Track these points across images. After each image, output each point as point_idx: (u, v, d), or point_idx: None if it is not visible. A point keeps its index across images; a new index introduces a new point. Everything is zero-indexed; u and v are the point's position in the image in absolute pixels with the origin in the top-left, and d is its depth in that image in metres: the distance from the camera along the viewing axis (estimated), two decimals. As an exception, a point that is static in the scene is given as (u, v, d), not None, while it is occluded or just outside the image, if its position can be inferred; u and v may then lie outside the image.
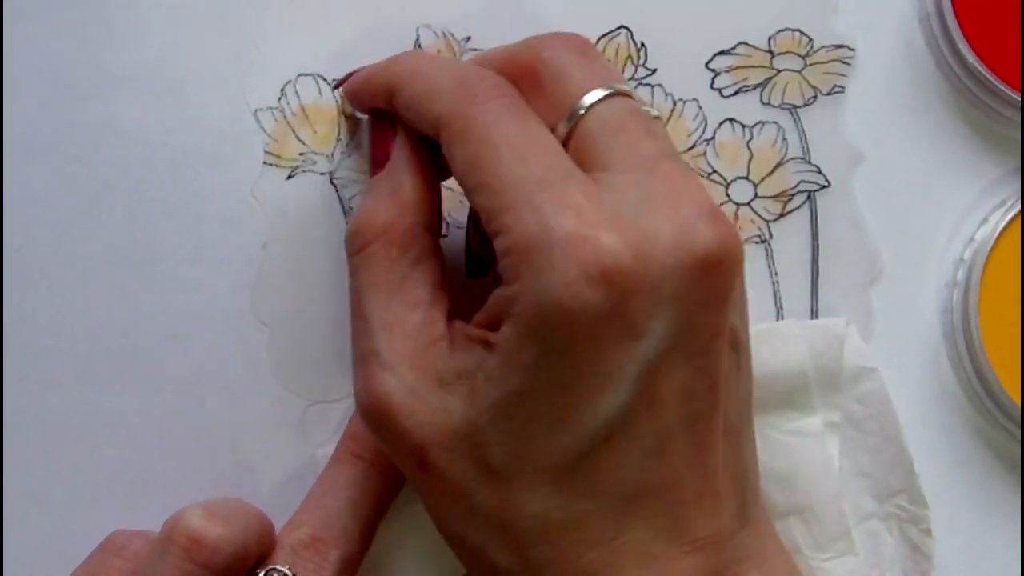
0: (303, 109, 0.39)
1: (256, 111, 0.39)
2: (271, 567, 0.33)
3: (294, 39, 0.39)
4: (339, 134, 0.39)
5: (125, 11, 0.39)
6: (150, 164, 0.38)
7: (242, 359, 0.38)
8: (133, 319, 0.38)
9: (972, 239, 0.40)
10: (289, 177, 0.39)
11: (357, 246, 0.33)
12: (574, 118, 0.32)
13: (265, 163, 0.39)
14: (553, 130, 0.32)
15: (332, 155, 0.39)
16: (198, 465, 0.38)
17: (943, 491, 0.40)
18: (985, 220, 0.40)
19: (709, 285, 0.30)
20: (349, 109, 0.39)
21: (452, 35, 0.40)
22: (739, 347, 0.32)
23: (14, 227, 0.38)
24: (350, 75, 0.37)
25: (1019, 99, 0.40)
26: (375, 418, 0.32)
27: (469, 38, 0.40)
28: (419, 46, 0.39)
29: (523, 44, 0.34)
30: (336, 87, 0.38)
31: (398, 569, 0.37)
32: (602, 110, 0.32)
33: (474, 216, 0.37)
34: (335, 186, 0.39)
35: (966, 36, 0.40)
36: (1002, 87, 0.40)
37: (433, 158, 0.34)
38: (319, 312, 0.39)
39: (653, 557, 0.30)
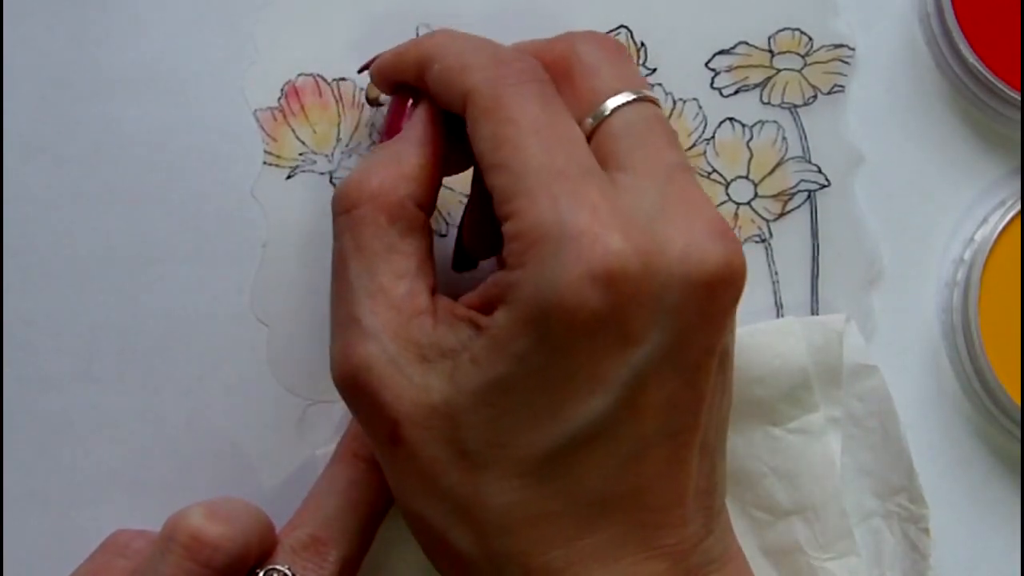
0: (303, 109, 0.39)
1: (256, 111, 0.39)
2: (271, 567, 0.34)
3: (294, 39, 0.39)
4: (339, 134, 0.39)
5: (125, 11, 0.39)
6: (150, 164, 0.38)
7: (242, 359, 0.38)
8: (133, 319, 0.38)
9: (972, 239, 0.40)
10: (289, 177, 0.39)
11: (345, 206, 0.33)
12: (600, 116, 0.32)
13: (265, 163, 0.39)
14: (578, 124, 0.32)
15: (332, 155, 0.39)
16: (198, 465, 0.38)
17: (943, 491, 0.40)
18: (985, 220, 0.40)
19: (711, 303, 0.30)
20: (374, 93, 0.38)
21: (452, 35, 0.40)
22: (726, 366, 0.33)
23: (14, 227, 0.38)
24: (372, 60, 0.36)
25: (1019, 98, 0.40)
26: (351, 386, 0.31)
27: (469, 38, 0.40)
28: (419, 46, 0.39)
29: (559, 37, 0.34)
30: (361, 70, 0.37)
31: (398, 569, 0.37)
32: (629, 113, 0.32)
33: (472, 208, 0.37)
34: (335, 186, 0.39)
35: (966, 35, 0.40)
36: (1002, 86, 0.40)
37: (446, 142, 0.34)
38: (319, 312, 0.39)
39: (616, 560, 0.30)
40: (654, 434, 0.30)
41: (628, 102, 0.32)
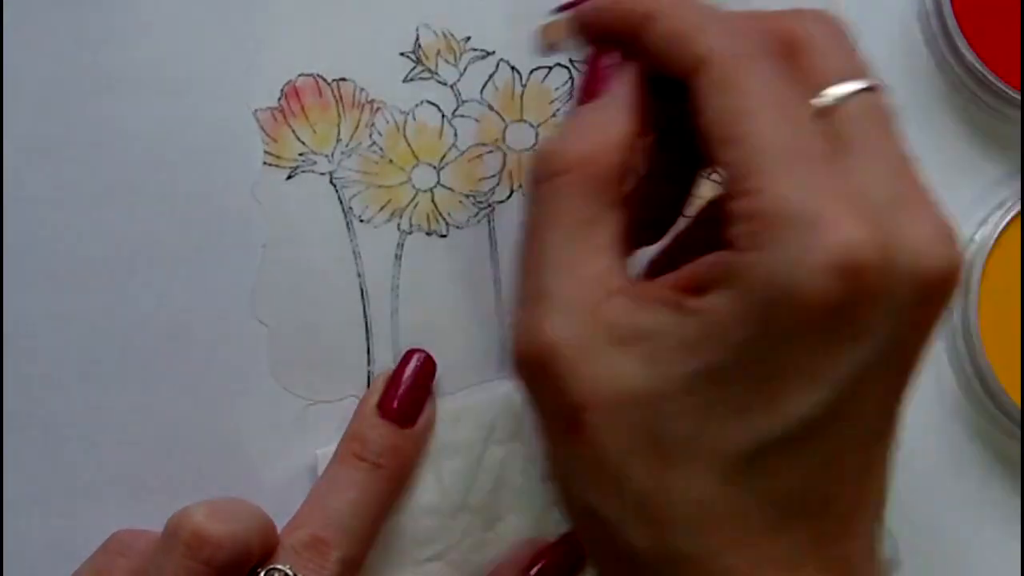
0: (303, 109, 0.39)
1: (256, 111, 0.39)
2: (272, 566, 0.34)
3: (294, 39, 0.39)
4: (339, 134, 0.39)
5: (125, 11, 0.39)
6: (150, 164, 0.38)
7: (242, 359, 0.38)
8: (133, 319, 0.38)
9: (972, 240, 0.40)
10: (289, 177, 0.39)
11: (546, 173, 0.30)
12: (832, 100, 0.30)
13: (265, 163, 0.39)
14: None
15: (332, 155, 0.39)
16: (198, 465, 0.38)
17: (943, 491, 0.40)
18: (985, 221, 0.40)
19: (934, 303, 0.29)
20: (554, 37, 0.36)
21: (452, 35, 0.40)
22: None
23: (14, 227, 0.38)
24: (573, 2, 0.34)
25: (1018, 97, 0.40)
26: (533, 365, 0.29)
27: (469, 38, 0.40)
28: (419, 46, 0.39)
29: (788, 13, 0.32)
30: (562, 9, 0.35)
31: (399, 570, 0.37)
32: (861, 99, 0.30)
33: (650, 186, 0.34)
34: (335, 186, 0.39)
35: (965, 34, 0.40)
36: (1001, 85, 0.40)
37: (652, 110, 0.32)
38: (319, 312, 0.39)
39: (797, 569, 0.29)
40: (858, 436, 0.29)
41: (859, 90, 0.30)
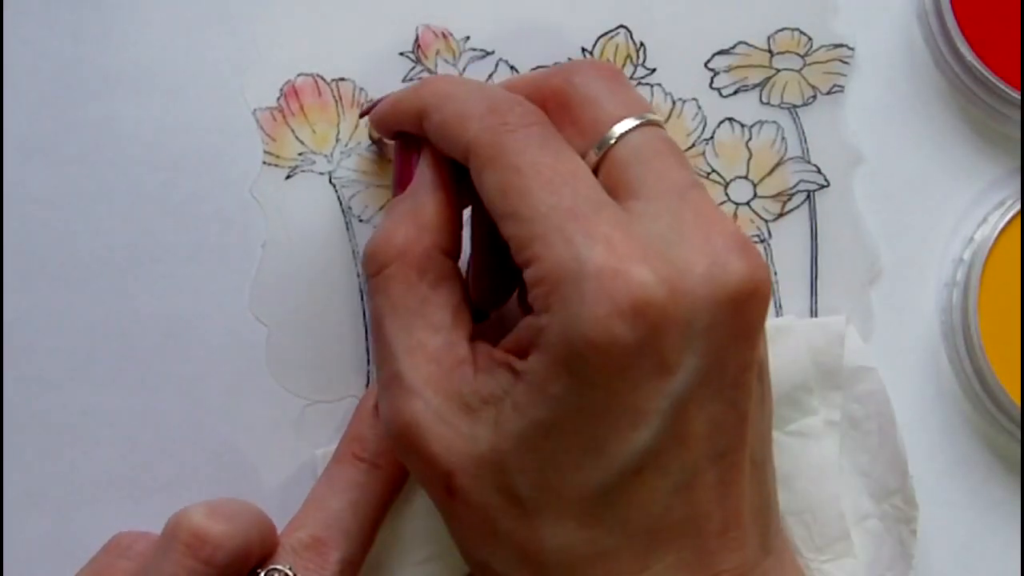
0: (302, 109, 0.39)
1: (255, 111, 0.39)
2: (272, 567, 0.34)
3: (294, 39, 0.39)
4: (338, 134, 0.39)
5: (125, 11, 0.39)
6: (150, 164, 0.38)
7: (242, 359, 0.38)
8: (133, 319, 0.38)
9: (971, 239, 0.40)
10: (288, 177, 0.39)
11: (374, 268, 0.33)
12: (605, 146, 0.32)
13: (264, 163, 0.39)
14: (583, 157, 0.32)
15: (331, 155, 0.39)
16: (198, 465, 0.38)
17: (942, 491, 0.40)
18: (984, 220, 0.40)
19: (741, 318, 0.30)
20: (376, 134, 0.38)
21: (451, 35, 0.40)
22: (763, 378, 0.32)
23: (14, 227, 0.38)
24: (375, 103, 0.37)
25: (1018, 97, 0.40)
26: (403, 442, 0.32)
27: (468, 38, 0.40)
28: (418, 46, 0.39)
29: (553, 70, 0.34)
30: (362, 115, 0.38)
31: (399, 570, 0.37)
32: (633, 139, 0.32)
33: (476, 260, 0.37)
34: (334, 186, 0.39)
35: (964, 34, 0.40)
36: (1001, 85, 0.39)
37: (457, 182, 0.34)
38: (318, 312, 0.39)
39: None
40: (702, 458, 0.30)
41: (632, 128, 0.32)
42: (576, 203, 0.30)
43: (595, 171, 0.32)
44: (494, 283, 0.36)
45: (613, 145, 0.32)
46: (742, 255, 0.30)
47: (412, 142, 0.35)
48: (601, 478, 0.29)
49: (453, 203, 0.34)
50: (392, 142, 0.37)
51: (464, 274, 0.35)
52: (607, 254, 0.29)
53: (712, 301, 0.29)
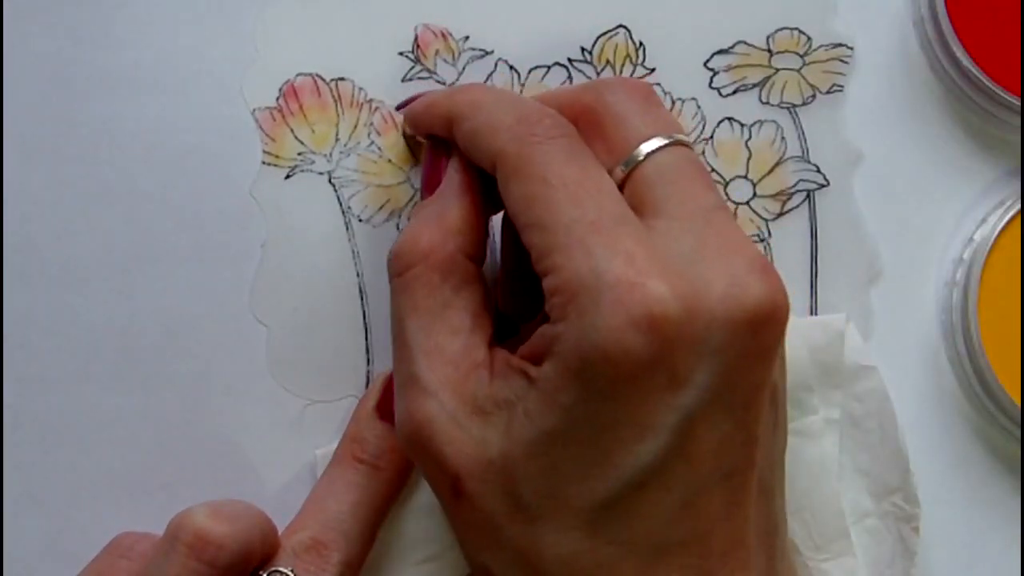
0: (301, 109, 0.39)
1: (254, 110, 0.39)
2: (274, 568, 0.34)
3: (293, 39, 0.39)
4: (337, 134, 0.39)
5: (125, 11, 0.39)
6: (150, 164, 0.39)
7: (242, 359, 0.38)
8: (133, 319, 0.38)
9: (971, 239, 0.40)
10: (288, 177, 0.39)
11: (398, 269, 0.33)
12: (632, 163, 0.32)
13: (264, 163, 0.39)
14: (610, 173, 0.32)
15: (331, 155, 0.39)
16: (198, 465, 0.38)
17: (942, 491, 0.40)
18: (984, 220, 0.40)
19: (756, 340, 0.30)
20: (410, 131, 0.39)
21: (451, 34, 0.40)
22: (777, 402, 0.32)
23: (14, 227, 0.38)
24: (413, 99, 0.37)
25: (1016, 102, 0.39)
26: (415, 443, 0.32)
27: (467, 37, 0.40)
28: (418, 46, 0.39)
29: (586, 86, 0.34)
30: (398, 108, 0.39)
31: (399, 571, 0.37)
32: (661, 158, 0.32)
33: (505, 272, 0.37)
34: (333, 186, 0.39)
35: (961, 40, 0.40)
36: (997, 90, 0.39)
37: (485, 189, 0.34)
38: (318, 312, 0.39)
39: None
40: (708, 477, 0.30)
41: (659, 147, 0.32)
42: (599, 216, 0.30)
43: (621, 188, 0.32)
44: (521, 292, 0.36)
45: (640, 163, 0.32)
46: (763, 278, 0.30)
47: (442, 146, 0.35)
48: (605, 490, 0.30)
49: (479, 209, 0.34)
50: (424, 141, 0.37)
51: (491, 282, 0.35)
52: (626, 267, 0.29)
53: (729, 321, 0.29)
